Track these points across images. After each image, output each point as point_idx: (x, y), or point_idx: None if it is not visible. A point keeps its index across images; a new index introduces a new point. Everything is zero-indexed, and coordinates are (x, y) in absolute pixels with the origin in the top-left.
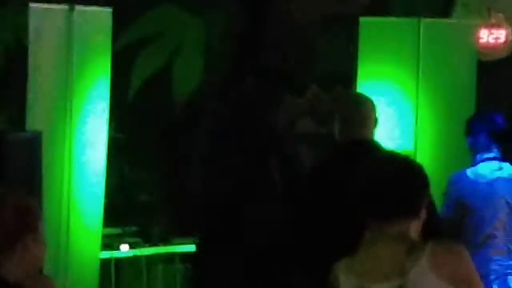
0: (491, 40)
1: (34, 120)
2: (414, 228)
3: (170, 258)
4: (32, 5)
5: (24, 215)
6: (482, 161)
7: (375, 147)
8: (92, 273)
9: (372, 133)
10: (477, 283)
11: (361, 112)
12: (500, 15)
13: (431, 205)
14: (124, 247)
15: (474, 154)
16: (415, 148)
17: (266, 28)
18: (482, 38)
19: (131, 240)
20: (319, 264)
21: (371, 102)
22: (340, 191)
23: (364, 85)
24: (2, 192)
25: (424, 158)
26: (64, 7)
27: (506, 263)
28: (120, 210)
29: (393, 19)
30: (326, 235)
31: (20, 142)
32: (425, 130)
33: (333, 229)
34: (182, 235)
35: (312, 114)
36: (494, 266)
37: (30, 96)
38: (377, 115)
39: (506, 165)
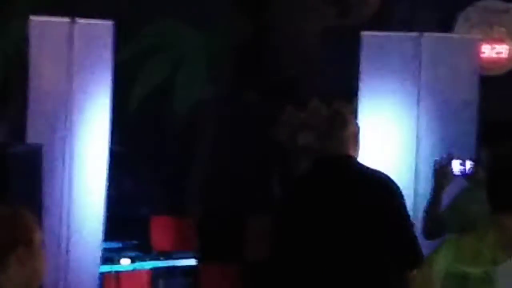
0: (494, 55)
1: (35, 133)
2: None
3: (170, 271)
4: (33, 17)
5: (14, 227)
6: None
7: (352, 163)
8: (92, 286)
9: (354, 150)
10: None
11: (340, 128)
12: (502, 29)
13: None
14: (125, 261)
15: None
16: (417, 162)
17: (267, 41)
18: (484, 53)
19: (132, 253)
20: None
21: (351, 118)
22: (317, 204)
23: (366, 99)
24: None
25: (426, 172)
26: (65, 19)
27: None
28: (120, 224)
29: (394, 33)
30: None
31: (21, 155)
32: (426, 145)
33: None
34: (183, 248)
35: (313, 127)
36: None
37: (30, 108)
38: (358, 133)
39: None
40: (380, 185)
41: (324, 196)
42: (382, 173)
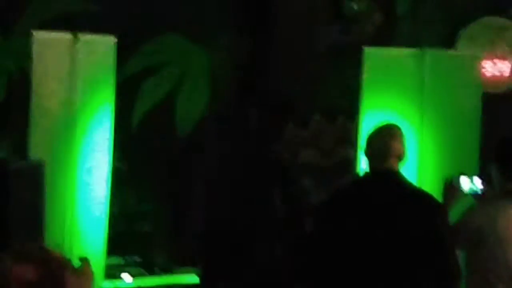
0: (496, 73)
1: (37, 149)
2: None
3: None
4: (35, 33)
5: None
6: None
7: (398, 179)
8: None
9: (397, 165)
10: None
11: (386, 144)
12: (505, 46)
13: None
14: (127, 277)
15: None
16: (419, 180)
17: (269, 58)
18: (487, 70)
19: (133, 270)
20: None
21: (400, 133)
22: (359, 216)
23: (368, 116)
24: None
25: (429, 189)
26: (67, 35)
27: None
28: (122, 240)
29: (397, 49)
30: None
31: (22, 171)
32: (429, 162)
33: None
34: (184, 265)
35: (315, 145)
36: None
37: (32, 124)
38: (405, 147)
39: None
40: (426, 201)
41: (367, 206)
42: (426, 192)
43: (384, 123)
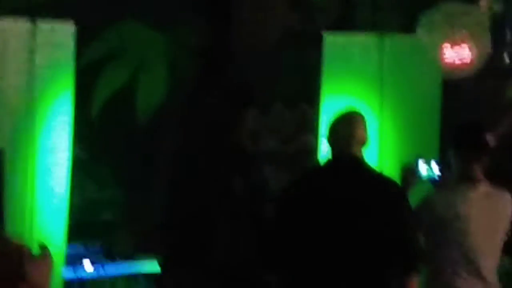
0: (456, 58)
1: None
2: None
3: (134, 276)
4: None
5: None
6: None
7: (362, 166)
8: None
9: (360, 151)
10: None
11: (349, 130)
12: (465, 32)
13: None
14: (87, 265)
15: None
16: (378, 165)
17: (230, 45)
18: (446, 55)
19: (94, 258)
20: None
21: (363, 120)
22: (322, 203)
23: (328, 103)
24: None
25: (389, 174)
26: (26, 22)
27: None
28: (83, 228)
29: (356, 34)
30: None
31: None
32: (389, 147)
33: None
34: (146, 253)
35: (276, 132)
36: None
37: None
38: (367, 134)
39: None
40: (389, 187)
41: (331, 192)
42: (390, 177)
43: (347, 110)
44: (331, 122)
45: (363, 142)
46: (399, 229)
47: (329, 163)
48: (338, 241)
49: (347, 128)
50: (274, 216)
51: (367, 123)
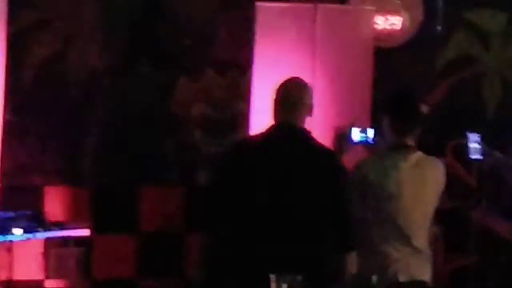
0: (388, 27)
1: None
2: None
3: (64, 242)
4: None
5: None
6: None
7: (304, 134)
8: None
9: (304, 120)
10: None
11: (291, 96)
12: (397, 1)
13: None
14: (17, 231)
15: None
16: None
17: (163, 12)
18: (378, 24)
19: (25, 223)
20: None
21: (306, 87)
22: (258, 170)
23: (260, 70)
24: None
25: (322, 141)
26: None
27: None
28: (14, 194)
29: (289, 3)
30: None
31: None
32: (321, 114)
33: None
34: (77, 218)
35: (207, 98)
36: None
37: None
38: (310, 101)
39: None
40: (329, 159)
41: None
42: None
43: (294, 77)
44: (278, 88)
45: (310, 108)
46: (335, 198)
47: (272, 128)
48: (275, 209)
49: (294, 95)
50: (214, 182)
51: (312, 92)
